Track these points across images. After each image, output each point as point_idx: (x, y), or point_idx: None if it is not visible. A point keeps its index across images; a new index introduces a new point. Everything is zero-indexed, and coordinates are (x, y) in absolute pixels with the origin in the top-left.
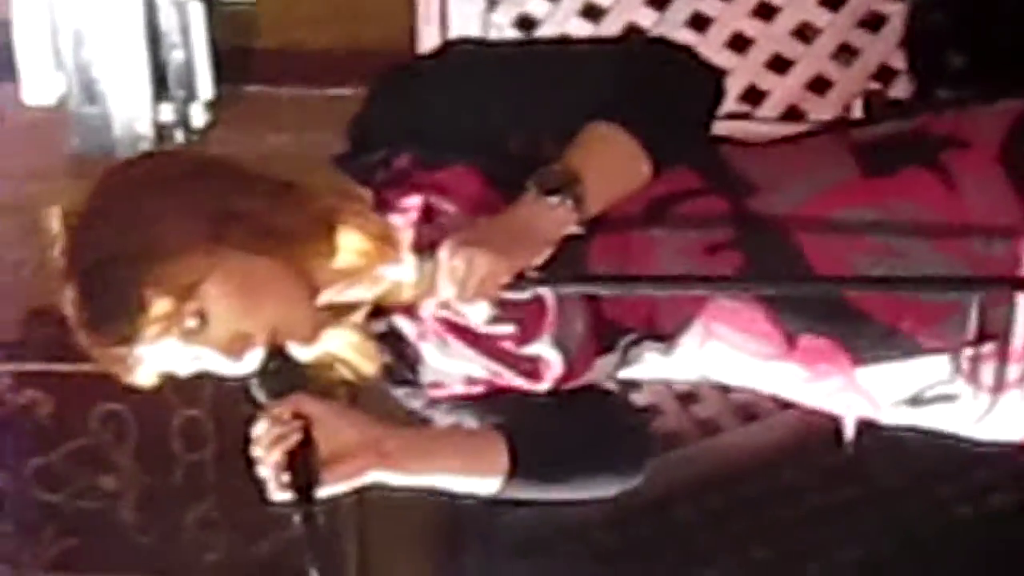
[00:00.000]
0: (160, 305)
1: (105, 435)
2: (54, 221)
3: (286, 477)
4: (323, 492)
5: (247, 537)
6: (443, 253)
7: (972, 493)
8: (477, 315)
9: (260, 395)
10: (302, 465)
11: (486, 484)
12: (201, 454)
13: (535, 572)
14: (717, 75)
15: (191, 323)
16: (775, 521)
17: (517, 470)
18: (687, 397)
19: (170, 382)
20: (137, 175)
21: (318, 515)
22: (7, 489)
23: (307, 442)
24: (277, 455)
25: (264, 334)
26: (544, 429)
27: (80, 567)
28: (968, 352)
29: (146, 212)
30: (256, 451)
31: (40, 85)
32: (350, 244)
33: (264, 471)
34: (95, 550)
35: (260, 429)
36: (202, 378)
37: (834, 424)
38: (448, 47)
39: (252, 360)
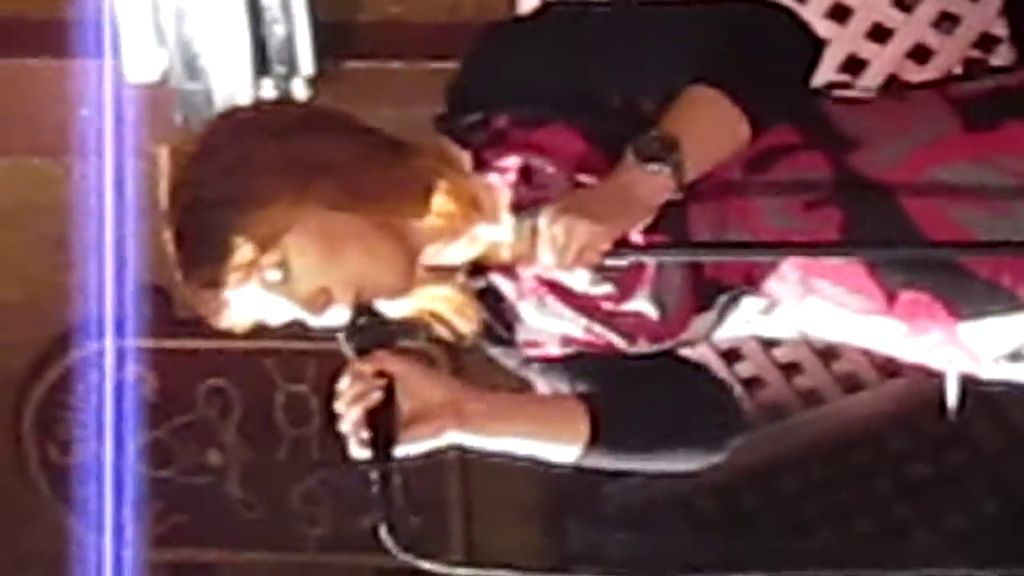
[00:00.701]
0: (243, 252)
1: (210, 411)
2: (163, 161)
3: (365, 434)
4: (401, 451)
5: (352, 511)
6: (542, 221)
7: None
8: (577, 280)
9: (347, 350)
10: (381, 423)
11: (565, 452)
12: (305, 429)
13: (638, 541)
14: (814, 37)
15: (272, 273)
16: (879, 492)
17: (597, 439)
18: (790, 367)
19: (273, 359)
20: (243, 122)
21: (395, 474)
22: (116, 465)
23: (388, 400)
24: (357, 412)
25: (347, 291)
26: (629, 399)
27: (188, 542)
28: None
29: (241, 160)
30: (338, 407)
31: (142, 61)
32: (442, 207)
33: (345, 427)
34: (202, 525)
35: (343, 385)
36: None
37: (937, 392)
38: (547, 7)
39: (337, 315)
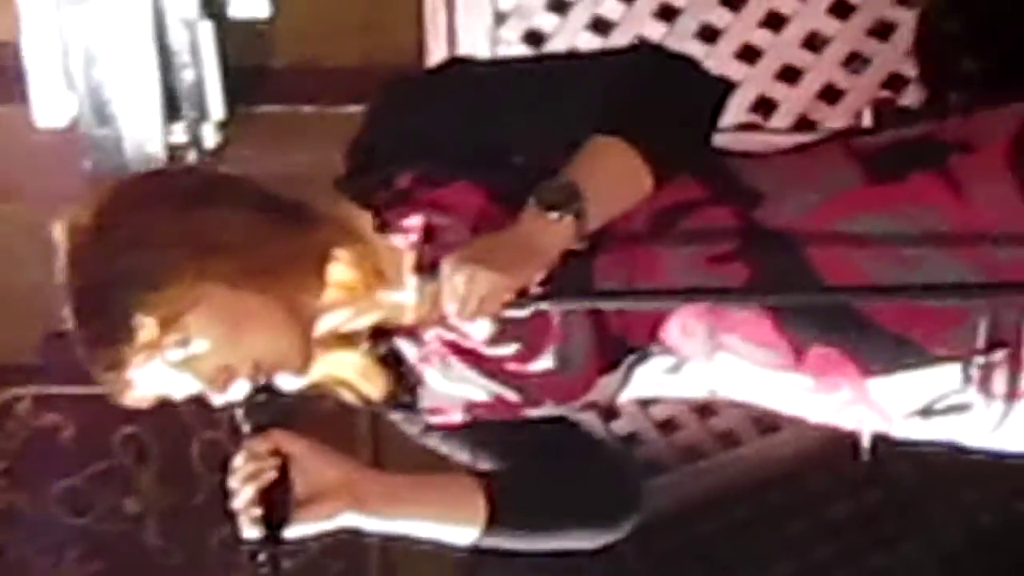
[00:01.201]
0: (146, 333)
1: (127, 457)
2: (59, 235)
3: (257, 513)
4: (292, 532)
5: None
6: (444, 270)
7: (997, 500)
8: (479, 332)
9: (245, 426)
10: (273, 503)
11: (463, 534)
12: (222, 475)
13: None
14: (719, 83)
15: (174, 353)
16: (798, 532)
17: (495, 522)
18: (705, 410)
19: (189, 405)
20: (138, 195)
21: (284, 556)
22: (31, 512)
23: (282, 480)
24: (249, 491)
25: (248, 367)
26: (529, 479)
27: None
28: (979, 360)
29: (138, 237)
30: (232, 483)
31: (52, 107)
32: (342, 278)
33: (237, 505)
34: (120, 572)
35: (237, 462)
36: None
37: (853, 433)
38: (450, 63)
39: (237, 391)
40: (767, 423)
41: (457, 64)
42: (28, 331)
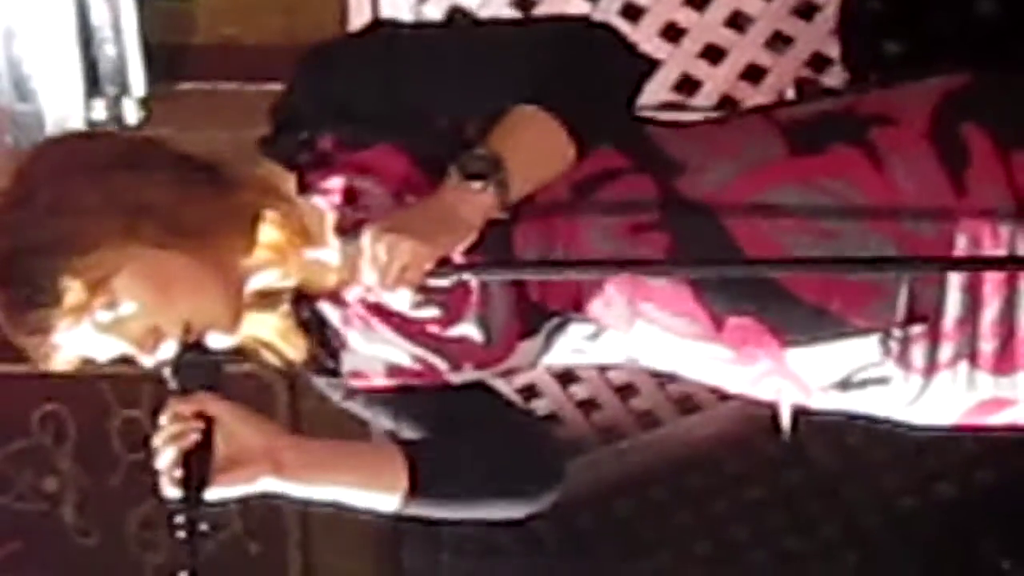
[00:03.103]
0: (72, 296)
1: (45, 437)
2: None
3: (177, 473)
4: (212, 495)
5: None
6: (365, 239)
7: (916, 482)
8: (400, 301)
9: (173, 385)
10: (196, 465)
11: (384, 501)
12: (142, 454)
13: (475, 565)
14: (641, 57)
15: (103, 315)
16: (716, 513)
17: (415, 490)
18: (625, 390)
19: (109, 384)
20: (59, 160)
21: (203, 518)
22: None
23: (205, 443)
24: (172, 452)
25: (176, 328)
26: (450, 449)
27: (23, 570)
28: (898, 333)
29: (61, 202)
30: (155, 443)
31: None
32: (268, 237)
33: (159, 464)
34: (37, 552)
35: (163, 422)
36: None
37: (771, 413)
38: (374, 26)
39: (166, 351)
40: (687, 404)
41: (381, 28)
42: None
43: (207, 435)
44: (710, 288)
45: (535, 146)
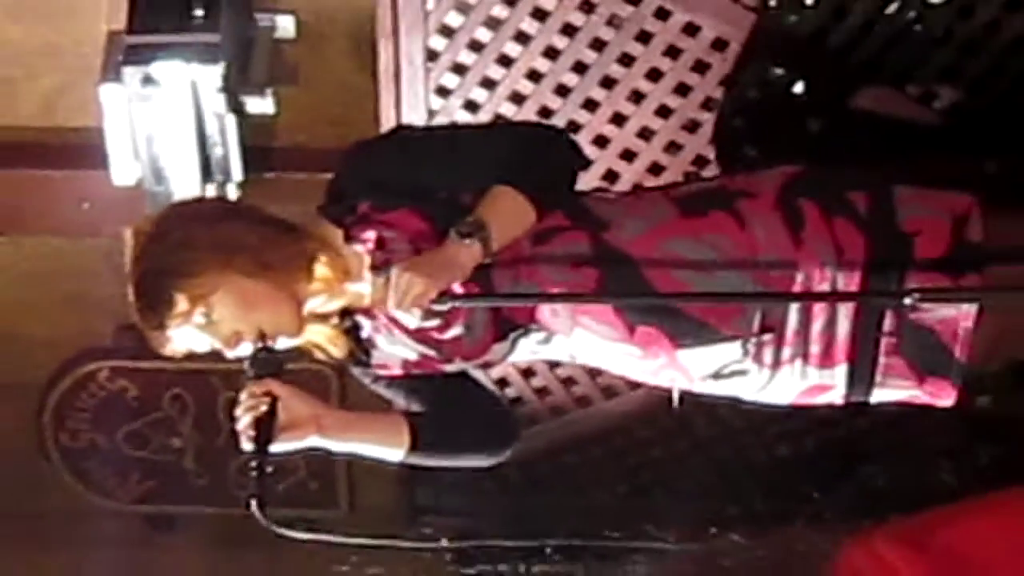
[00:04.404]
0: (181, 307)
1: (172, 410)
2: (128, 237)
3: (251, 433)
4: (275, 448)
5: (275, 480)
6: (393, 275)
7: (765, 443)
8: (410, 319)
9: (249, 373)
10: (263, 428)
11: (393, 453)
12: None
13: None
14: (581, 155)
15: (200, 319)
16: (630, 465)
17: (415, 446)
18: (568, 381)
19: (218, 376)
20: (184, 213)
21: (268, 466)
22: (108, 447)
23: (271, 413)
24: (248, 418)
25: (253, 333)
26: (440, 418)
27: (157, 501)
28: (754, 340)
29: (181, 241)
30: (236, 413)
31: (124, 171)
32: (322, 274)
33: (239, 427)
34: (167, 489)
35: (242, 398)
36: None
37: (667, 395)
38: (396, 130)
39: (245, 349)
40: (611, 390)
41: (402, 130)
42: (106, 324)
43: (272, 408)
44: (627, 307)
45: (509, 213)
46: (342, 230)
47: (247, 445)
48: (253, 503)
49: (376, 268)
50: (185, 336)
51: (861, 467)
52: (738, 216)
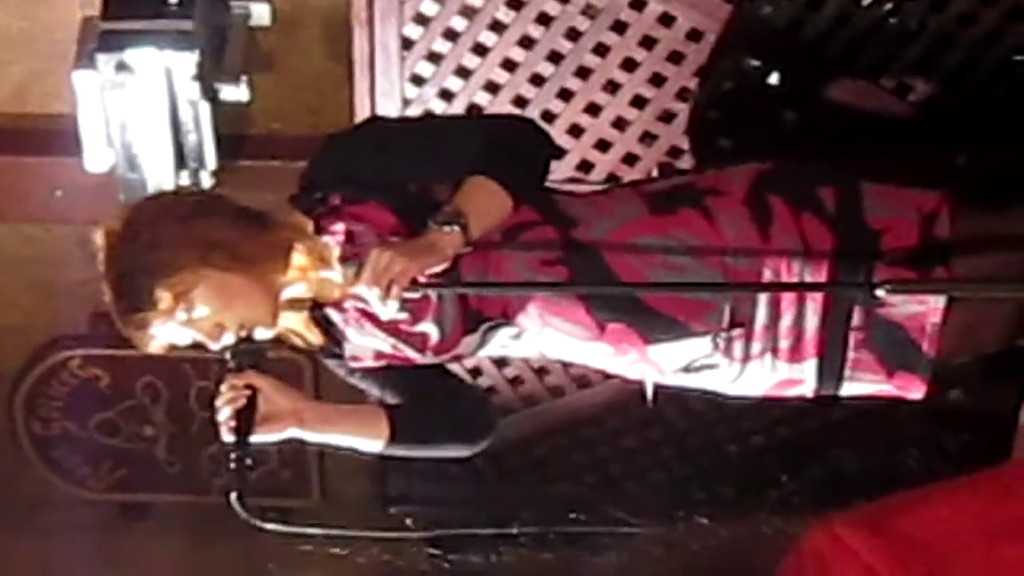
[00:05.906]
0: (162, 304)
1: (145, 398)
2: (99, 238)
3: (232, 424)
4: (254, 439)
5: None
6: (372, 253)
7: (738, 435)
8: (383, 312)
9: (231, 365)
10: (243, 419)
11: (372, 445)
12: (211, 412)
13: (434, 489)
14: (554, 146)
15: (183, 315)
16: (601, 456)
17: (394, 438)
18: (541, 371)
19: (190, 363)
20: (155, 210)
21: (247, 456)
22: (80, 435)
23: (251, 405)
24: (228, 410)
25: (234, 325)
26: (417, 409)
27: (129, 489)
28: (723, 334)
29: (157, 239)
30: (217, 404)
31: (97, 158)
32: (299, 262)
33: (219, 418)
34: (140, 477)
35: (223, 389)
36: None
37: (640, 388)
38: (370, 121)
39: (227, 340)
40: (583, 381)
41: (374, 122)
42: (78, 312)
43: (252, 399)
44: (596, 304)
45: (486, 202)
46: (313, 221)
47: (227, 436)
48: (233, 496)
49: (345, 259)
50: (168, 332)
51: (830, 453)
52: (707, 213)
